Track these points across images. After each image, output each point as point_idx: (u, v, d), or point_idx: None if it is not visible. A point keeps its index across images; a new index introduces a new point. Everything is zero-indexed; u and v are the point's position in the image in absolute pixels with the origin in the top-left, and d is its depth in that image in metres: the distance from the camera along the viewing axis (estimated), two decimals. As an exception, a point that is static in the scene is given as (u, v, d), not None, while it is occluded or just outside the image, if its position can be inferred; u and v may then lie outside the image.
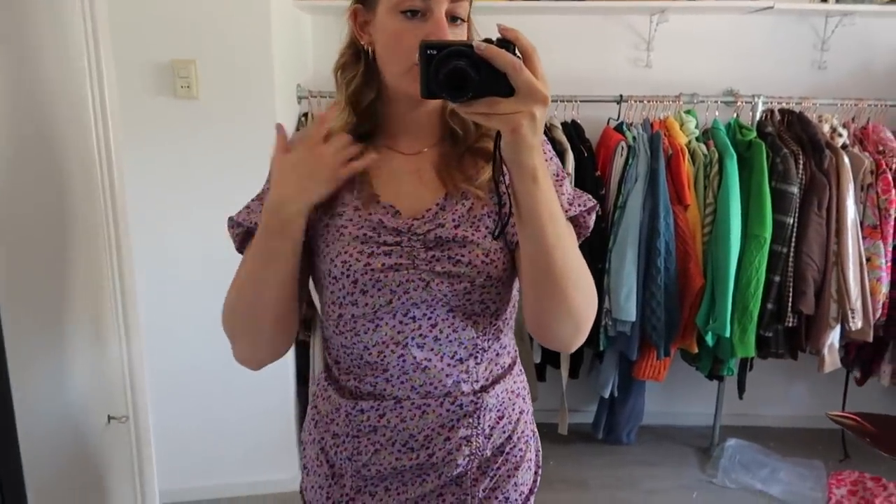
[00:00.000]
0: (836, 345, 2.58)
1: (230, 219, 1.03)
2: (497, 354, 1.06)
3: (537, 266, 0.88)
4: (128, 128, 1.57)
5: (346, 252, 0.95)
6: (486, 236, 0.97)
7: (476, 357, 1.02)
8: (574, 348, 0.98)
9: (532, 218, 0.83)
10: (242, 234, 1.02)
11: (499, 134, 0.80)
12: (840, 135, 2.58)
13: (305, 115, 2.59)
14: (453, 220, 0.97)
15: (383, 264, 0.94)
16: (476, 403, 1.02)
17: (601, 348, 2.61)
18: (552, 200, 0.84)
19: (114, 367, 1.34)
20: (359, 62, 0.99)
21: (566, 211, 0.98)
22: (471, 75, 0.73)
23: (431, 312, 0.97)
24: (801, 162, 2.45)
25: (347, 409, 1.02)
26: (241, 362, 1.02)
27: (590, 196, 1.05)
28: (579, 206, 1.02)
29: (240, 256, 1.02)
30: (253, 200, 1.05)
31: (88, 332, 1.26)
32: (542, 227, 0.84)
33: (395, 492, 1.04)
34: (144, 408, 1.43)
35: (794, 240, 2.47)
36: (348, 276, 0.95)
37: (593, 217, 1.04)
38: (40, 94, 1.12)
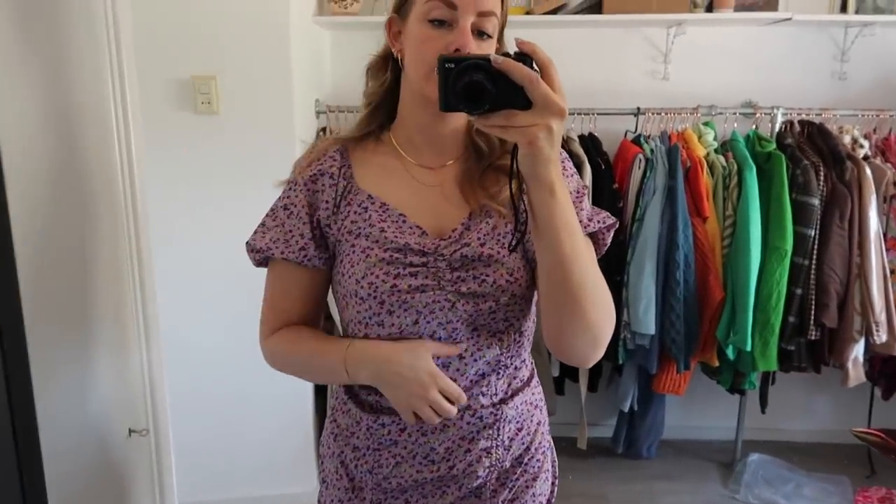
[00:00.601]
0: (861, 358, 2.53)
1: (247, 243, 1.05)
2: (516, 368, 1.06)
3: (554, 279, 0.88)
4: (150, 142, 1.60)
5: (372, 273, 0.96)
6: (509, 254, 0.97)
7: (498, 372, 1.02)
8: (591, 363, 0.98)
9: (549, 230, 0.84)
10: (262, 259, 1.04)
11: (516, 147, 0.81)
12: (861, 146, 2.55)
13: (324, 129, 2.61)
14: (479, 239, 0.97)
15: (409, 286, 0.95)
16: (495, 415, 1.02)
17: (620, 361, 2.59)
18: (569, 213, 0.84)
19: (135, 379, 1.35)
20: (387, 69, 1.02)
21: (585, 227, 0.99)
22: (487, 88, 0.75)
23: (456, 333, 0.98)
24: (822, 173, 2.42)
25: (368, 423, 1.03)
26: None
27: (609, 214, 1.05)
28: (598, 222, 1.02)
29: (259, 271, 1.04)
30: (267, 216, 1.05)
31: (111, 344, 1.27)
32: (558, 240, 0.84)
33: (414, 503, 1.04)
34: (165, 421, 1.44)
35: (815, 252, 2.44)
36: (375, 298, 0.95)
37: (611, 235, 1.04)
38: (66, 107, 1.14)
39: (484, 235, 0.98)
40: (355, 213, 0.99)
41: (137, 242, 1.31)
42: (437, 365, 0.97)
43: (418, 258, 0.96)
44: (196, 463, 2.41)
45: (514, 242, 0.96)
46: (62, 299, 1.12)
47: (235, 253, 1.04)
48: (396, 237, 0.97)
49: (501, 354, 1.01)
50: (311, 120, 2.57)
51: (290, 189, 1.03)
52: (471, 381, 1.00)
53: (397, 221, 0.98)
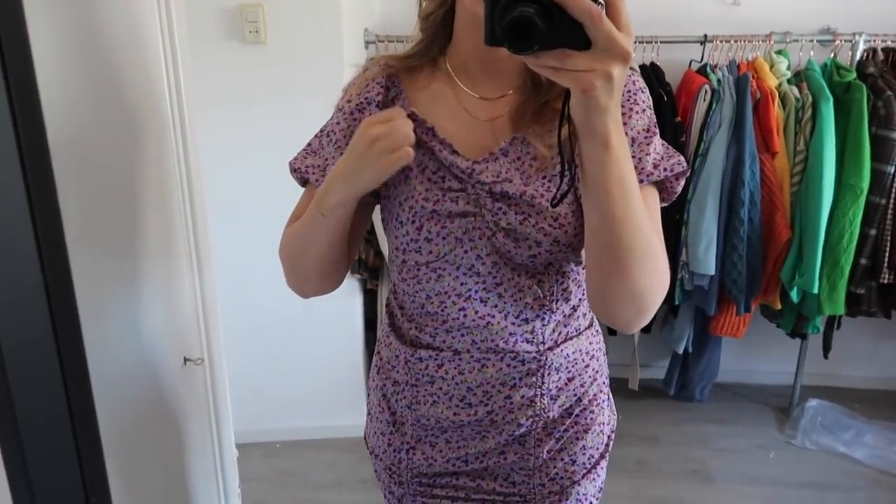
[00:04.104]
0: (937, 304, 2.41)
1: (290, 163, 1.00)
2: (566, 316, 0.99)
3: (600, 240, 0.79)
4: (198, 73, 1.56)
5: (412, 197, 0.90)
6: (553, 207, 0.88)
7: (543, 318, 0.96)
8: (635, 330, 0.89)
9: (599, 187, 0.75)
10: (302, 181, 1.00)
11: (568, 91, 0.70)
12: (952, 75, 2.35)
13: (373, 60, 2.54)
14: (519, 174, 0.89)
15: (450, 211, 0.89)
16: (539, 361, 0.97)
17: (676, 303, 2.51)
18: (626, 169, 0.75)
19: (188, 308, 1.35)
20: None
21: (649, 175, 0.89)
22: (538, 25, 0.62)
23: (496, 270, 0.92)
24: (907, 105, 2.24)
25: (406, 357, 0.99)
26: (291, 288, 1.02)
27: (682, 159, 0.93)
28: (665, 170, 0.90)
29: None
30: (314, 138, 1.01)
31: (162, 273, 1.27)
32: (609, 198, 0.75)
33: (455, 445, 1.02)
34: (219, 350, 1.45)
35: (894, 191, 2.29)
36: (413, 222, 0.90)
37: (682, 183, 0.93)
38: (111, 38, 1.10)
39: (527, 168, 0.89)
40: None
41: (188, 172, 1.30)
42: (475, 298, 0.93)
43: (456, 183, 0.90)
44: (250, 393, 2.48)
45: (558, 197, 0.85)
46: (112, 228, 1.11)
47: (283, 182, 1.00)
48: (434, 154, 0.90)
49: (545, 298, 0.94)
50: (360, 50, 2.50)
51: (335, 115, 0.97)
52: (512, 322, 0.95)
53: (442, 143, 0.91)
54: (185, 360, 1.31)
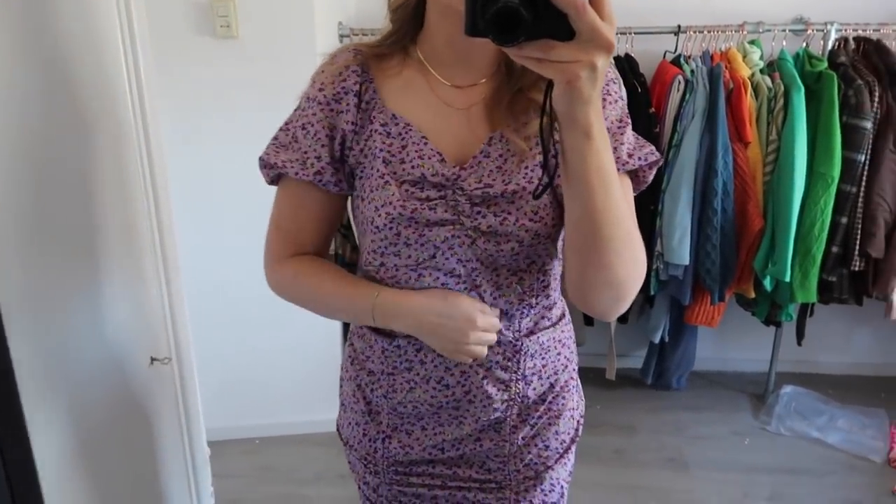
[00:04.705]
0: (906, 290, 2.44)
1: (261, 158, 0.98)
2: (545, 308, 1.01)
3: (581, 231, 0.80)
4: (167, 66, 1.55)
5: (390, 203, 0.90)
6: (535, 198, 0.89)
7: (522, 312, 0.98)
8: (614, 318, 0.92)
9: (580, 178, 0.75)
10: (275, 176, 0.98)
11: (550, 82, 0.70)
12: (922, 64, 2.37)
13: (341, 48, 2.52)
14: (501, 174, 0.90)
15: (427, 220, 0.89)
16: (516, 347, 0.98)
17: (652, 293, 2.53)
18: (606, 160, 0.75)
19: (154, 306, 1.34)
20: None
21: (625, 163, 0.91)
22: (524, 17, 0.62)
23: (477, 273, 0.93)
24: (877, 94, 2.26)
25: (384, 346, 1.00)
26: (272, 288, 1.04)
27: (653, 149, 0.95)
28: (640, 159, 0.93)
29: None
30: (281, 131, 0.98)
31: (125, 271, 1.26)
32: (590, 189, 0.76)
33: (431, 432, 1.03)
34: (187, 348, 1.44)
35: (864, 179, 2.31)
36: (391, 228, 0.90)
37: (654, 172, 0.95)
38: (64, 34, 1.09)
39: (507, 167, 0.90)
40: (377, 132, 0.92)
41: (151, 168, 1.28)
42: None
43: (436, 191, 0.90)
44: (228, 390, 2.47)
45: (540, 189, 0.86)
46: (65, 225, 1.09)
47: (255, 177, 0.99)
48: (415, 165, 0.90)
49: (524, 293, 0.96)
50: (334, 44, 2.48)
51: (308, 106, 0.94)
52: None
53: (418, 144, 0.91)
54: (152, 359, 1.30)
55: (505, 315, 0.97)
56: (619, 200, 0.79)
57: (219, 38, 2.17)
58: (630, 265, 0.84)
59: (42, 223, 0.99)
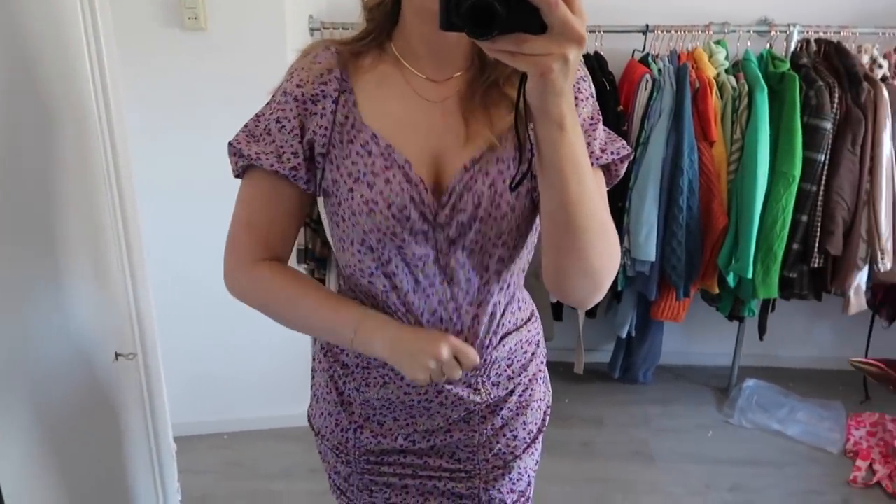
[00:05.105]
0: (864, 286, 2.51)
1: (230, 144, 0.96)
2: (511, 313, 1.03)
3: (556, 221, 0.82)
4: (135, 59, 1.52)
5: (374, 233, 0.91)
6: (511, 190, 0.91)
7: (493, 315, 1.00)
8: (590, 306, 0.94)
9: (555, 169, 0.77)
10: (245, 166, 0.96)
11: (524, 75, 0.72)
12: (880, 66, 2.44)
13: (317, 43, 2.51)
14: (474, 199, 0.91)
15: (413, 253, 0.93)
16: (485, 360, 1.01)
17: (619, 289, 2.57)
18: (579, 152, 0.77)
19: (119, 302, 1.33)
20: None
21: (598, 158, 0.93)
22: (498, 11, 0.64)
23: (451, 287, 0.96)
24: (837, 95, 2.32)
25: None
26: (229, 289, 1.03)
27: (625, 143, 0.98)
28: (612, 153, 0.95)
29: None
30: (252, 121, 0.96)
31: (89, 266, 1.25)
32: (564, 180, 0.77)
33: (403, 423, 1.04)
34: (153, 343, 1.43)
35: (824, 178, 2.37)
36: (374, 252, 0.93)
37: (625, 166, 0.98)
38: (25, 27, 1.07)
39: (489, 169, 0.91)
40: (357, 153, 0.91)
41: (115, 162, 1.26)
42: (434, 304, 0.96)
43: (419, 224, 0.91)
44: (196, 384, 2.45)
45: (517, 180, 0.88)
46: (25, 220, 1.07)
47: (223, 172, 0.98)
48: (399, 195, 0.90)
49: (496, 295, 0.99)
50: (304, 37, 2.46)
51: (284, 100, 0.94)
52: (461, 317, 0.98)
53: (403, 168, 0.90)
54: (117, 354, 1.29)
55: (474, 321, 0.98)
56: (593, 192, 0.81)
57: (187, 30, 2.15)
58: (605, 255, 0.86)
59: (1, 216, 0.98)
